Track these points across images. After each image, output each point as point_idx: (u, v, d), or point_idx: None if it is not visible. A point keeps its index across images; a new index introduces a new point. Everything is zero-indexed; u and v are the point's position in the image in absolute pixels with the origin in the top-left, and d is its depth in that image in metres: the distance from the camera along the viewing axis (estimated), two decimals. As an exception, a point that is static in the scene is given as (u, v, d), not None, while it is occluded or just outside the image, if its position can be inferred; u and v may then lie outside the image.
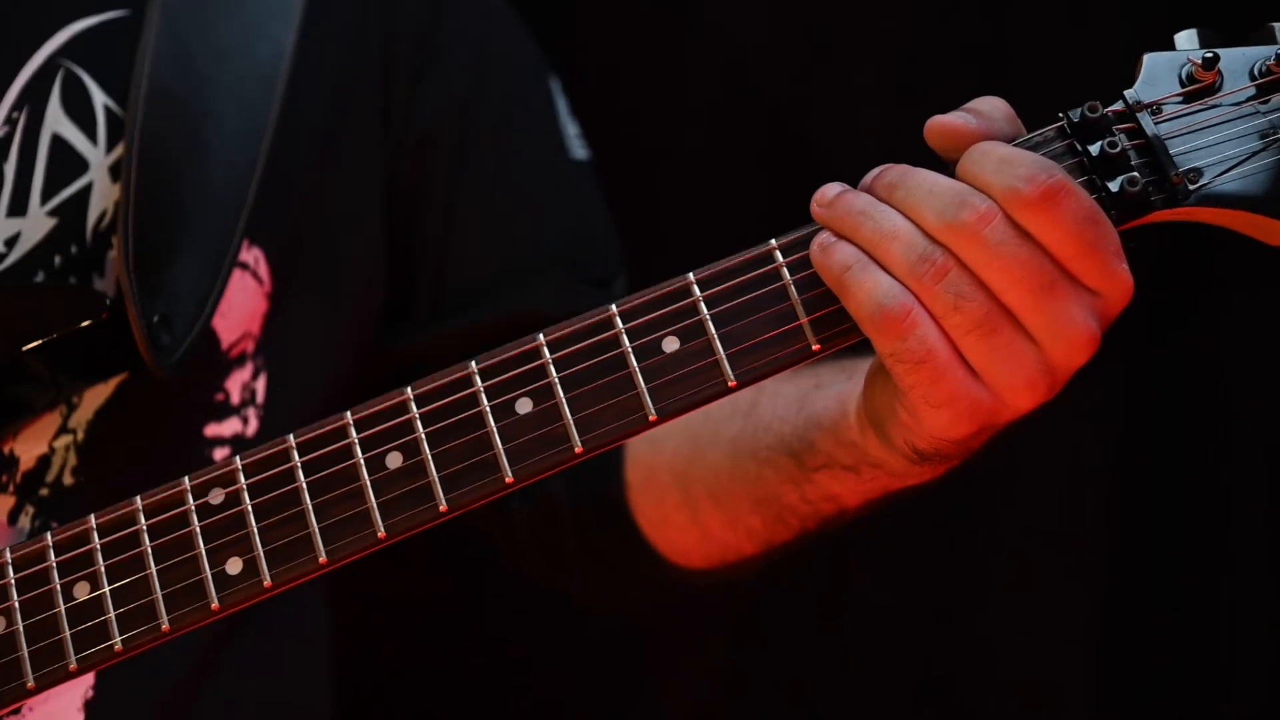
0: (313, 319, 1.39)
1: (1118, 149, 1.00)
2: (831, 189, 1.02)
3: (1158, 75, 1.02)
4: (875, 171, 1.02)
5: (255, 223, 1.30)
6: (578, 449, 1.03)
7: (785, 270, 1.03)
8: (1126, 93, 1.02)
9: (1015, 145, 1.00)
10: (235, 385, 1.33)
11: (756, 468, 1.22)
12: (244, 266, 1.33)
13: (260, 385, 1.35)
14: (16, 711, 1.21)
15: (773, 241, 1.04)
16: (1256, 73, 1.01)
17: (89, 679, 1.24)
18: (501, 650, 1.91)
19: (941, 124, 1.01)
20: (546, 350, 1.05)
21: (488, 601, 1.90)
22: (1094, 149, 1.00)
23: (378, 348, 1.45)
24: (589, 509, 1.40)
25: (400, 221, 1.43)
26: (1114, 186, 1.00)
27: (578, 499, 1.41)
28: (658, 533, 1.36)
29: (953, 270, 0.97)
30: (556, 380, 1.04)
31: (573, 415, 1.04)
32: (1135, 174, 1.00)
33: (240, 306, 1.32)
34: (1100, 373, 1.05)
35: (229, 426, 1.33)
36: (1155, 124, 1.01)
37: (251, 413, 1.34)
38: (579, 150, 1.52)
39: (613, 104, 1.69)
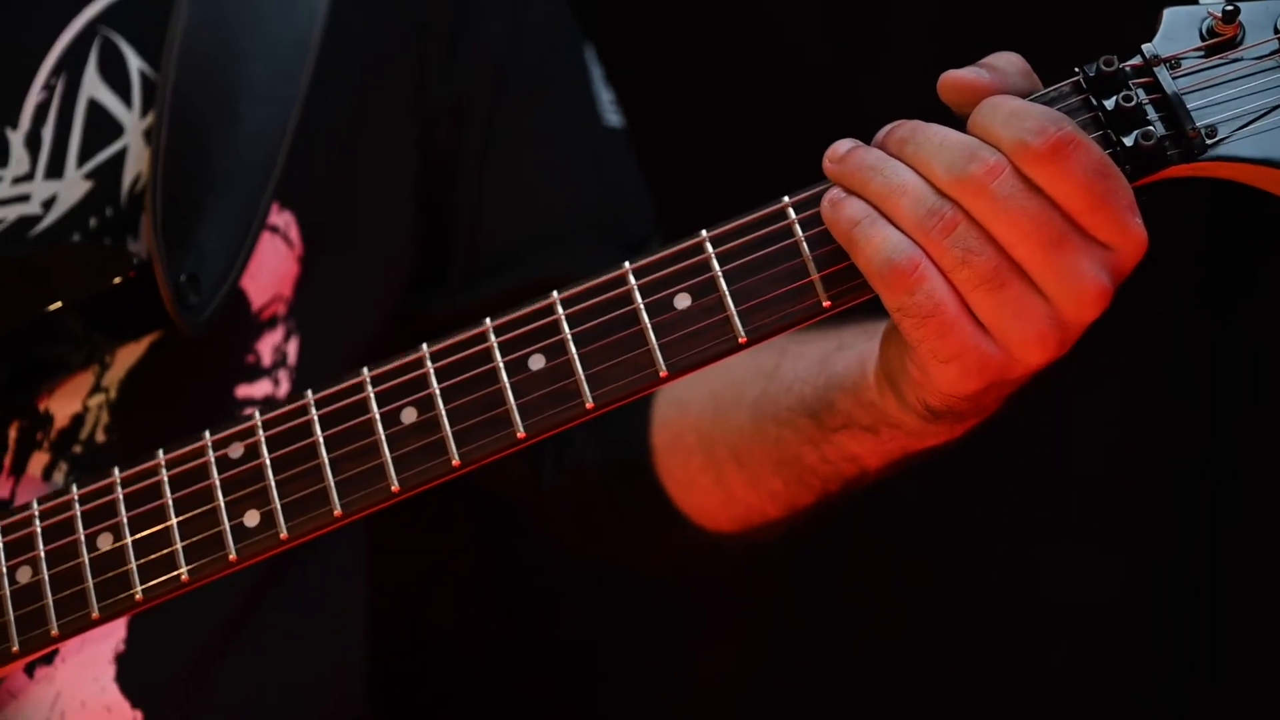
0: (344, 283, 1.40)
1: (1133, 103, 0.98)
2: (843, 145, 1.02)
3: (1177, 29, 1.00)
4: (887, 128, 1.01)
5: (286, 187, 1.31)
6: (589, 404, 1.03)
7: (797, 227, 1.02)
8: (1145, 47, 1.00)
9: (1030, 100, 0.99)
10: (266, 347, 1.35)
11: (777, 429, 1.22)
12: (275, 230, 1.34)
13: (292, 348, 1.37)
14: (49, 662, 1.24)
15: (785, 199, 1.04)
16: (1279, 26, 0.99)
17: (120, 633, 1.27)
18: (534, 620, 1.92)
19: (955, 79, 1.00)
20: (560, 307, 1.05)
21: (520, 571, 1.91)
22: (1109, 103, 0.99)
23: (412, 312, 1.46)
24: (618, 475, 1.41)
25: (434, 187, 1.44)
26: (1128, 141, 0.98)
27: (607, 466, 1.41)
28: (684, 496, 1.36)
29: (961, 224, 0.96)
30: (569, 337, 1.05)
31: (584, 371, 1.04)
32: (1151, 128, 0.98)
33: (271, 269, 1.34)
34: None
35: (260, 388, 1.35)
36: (1173, 79, 0.99)
37: (283, 375, 1.36)
38: (613, 117, 1.52)
39: (645, 70, 1.68)
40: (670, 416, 1.36)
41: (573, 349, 1.04)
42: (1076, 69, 1.01)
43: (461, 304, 1.45)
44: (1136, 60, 1.00)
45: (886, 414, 1.09)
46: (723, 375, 1.29)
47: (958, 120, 1.02)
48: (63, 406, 1.26)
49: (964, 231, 0.96)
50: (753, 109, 1.82)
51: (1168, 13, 1.01)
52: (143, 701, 1.27)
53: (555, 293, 1.06)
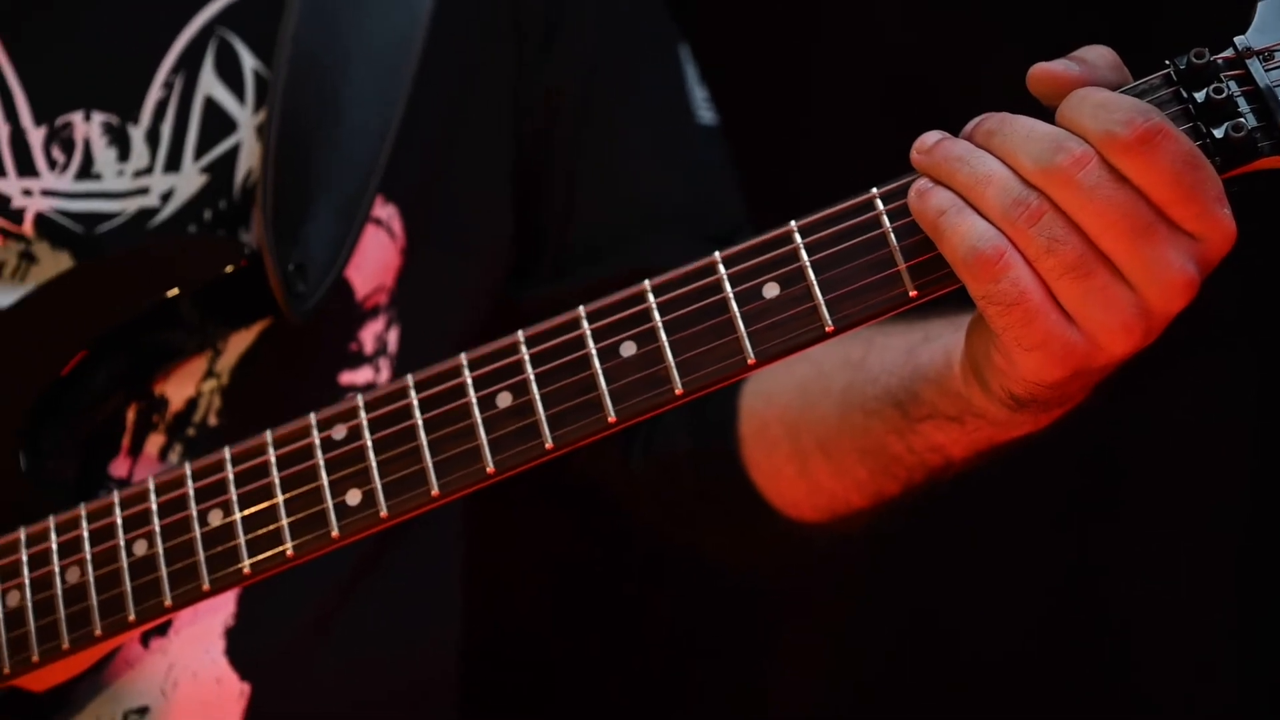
0: (443, 274, 1.44)
1: (1224, 95, 0.98)
2: (931, 136, 1.03)
3: (1271, 21, 1.00)
4: (976, 120, 1.02)
5: (390, 180, 1.36)
6: (678, 390, 1.06)
7: (885, 218, 1.04)
8: (1237, 39, 1.00)
9: (1119, 92, 0.99)
10: (369, 336, 1.40)
11: (864, 419, 1.23)
12: (378, 222, 1.39)
13: (393, 336, 1.41)
14: (163, 633, 1.29)
15: (873, 189, 1.05)
16: None
17: (230, 607, 1.32)
18: (627, 607, 1.95)
19: (1044, 71, 1.01)
20: (651, 295, 1.08)
21: (607, 558, 1.93)
22: (1199, 96, 0.99)
23: (503, 302, 1.50)
24: (705, 463, 1.43)
25: (527, 179, 1.48)
26: (1219, 133, 0.98)
27: (695, 454, 1.43)
28: (769, 485, 1.37)
29: (1047, 214, 0.97)
30: (660, 324, 1.07)
31: (674, 358, 1.06)
32: (1241, 120, 0.98)
33: (374, 260, 1.39)
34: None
35: (362, 375, 1.40)
36: (1266, 71, 0.99)
37: (384, 363, 1.41)
38: (706, 114, 1.54)
39: (736, 66, 1.70)
40: (757, 407, 1.38)
41: (663, 336, 1.07)
42: (1167, 62, 1.01)
43: (551, 294, 1.48)
44: (1229, 53, 1.00)
45: (971, 404, 1.10)
46: (809, 366, 1.30)
47: (1047, 113, 1.03)
48: (177, 391, 1.32)
49: (1050, 221, 0.97)
50: (843, 103, 1.83)
51: (1262, 5, 1.01)
52: (251, 674, 1.32)
53: (646, 281, 1.08)
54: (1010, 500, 1.75)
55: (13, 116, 1.31)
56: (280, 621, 1.34)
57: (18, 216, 1.30)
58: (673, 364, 1.07)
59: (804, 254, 1.05)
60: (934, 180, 1.01)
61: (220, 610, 1.31)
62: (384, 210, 1.39)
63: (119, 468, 1.30)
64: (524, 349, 1.10)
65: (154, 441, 1.31)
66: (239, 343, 1.33)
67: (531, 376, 1.09)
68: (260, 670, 1.32)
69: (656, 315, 1.07)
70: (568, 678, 1.97)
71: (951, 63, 1.78)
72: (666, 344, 1.07)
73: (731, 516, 1.44)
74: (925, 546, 1.80)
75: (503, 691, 1.90)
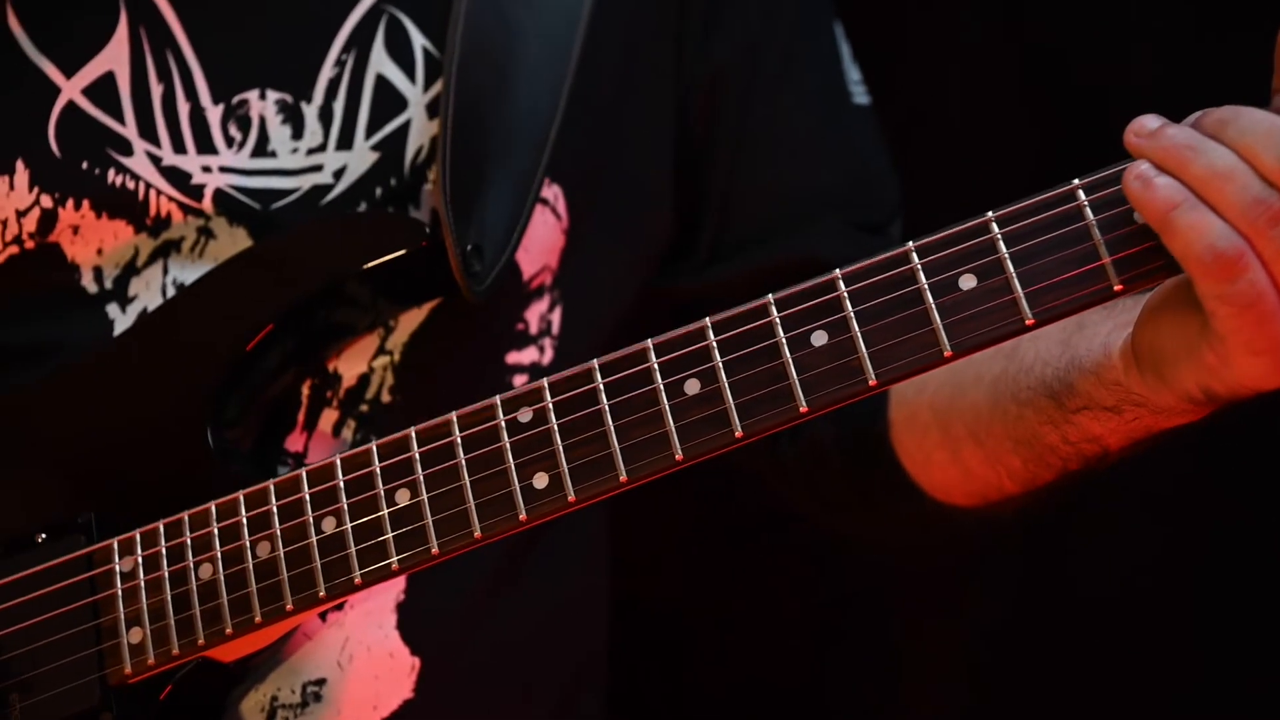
0: (605, 254, 1.44)
1: None
2: (1150, 120, 1.00)
3: None
4: (1201, 112, 0.99)
5: (556, 160, 1.36)
6: (871, 381, 1.05)
7: (1088, 210, 1.02)
8: None
9: None
10: (534, 316, 1.40)
11: (1017, 408, 1.21)
12: (544, 202, 1.39)
13: (556, 317, 1.42)
14: (339, 608, 1.31)
15: (1075, 181, 1.03)
16: None
17: (400, 583, 1.34)
18: (765, 593, 1.95)
19: None
20: (843, 284, 1.07)
21: (753, 545, 1.94)
22: None
23: (657, 287, 1.50)
24: (855, 448, 1.42)
25: (687, 162, 1.47)
26: None
27: (844, 439, 1.43)
28: (920, 471, 1.37)
29: None
30: (852, 314, 1.07)
31: (867, 349, 1.06)
32: None
33: (540, 241, 1.39)
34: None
35: (527, 355, 1.40)
36: None
37: (548, 343, 1.41)
38: (861, 96, 1.52)
39: (879, 47, 1.68)
40: (907, 394, 1.37)
41: (855, 326, 1.06)
42: None
43: (708, 280, 1.48)
44: None
45: (1131, 393, 1.08)
46: None
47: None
48: (350, 367, 1.33)
49: None
50: (983, 90, 1.81)
51: None
52: (421, 648, 1.33)
53: (838, 270, 1.08)
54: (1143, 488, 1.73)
55: (192, 95, 1.33)
56: (447, 599, 1.35)
57: (197, 193, 1.32)
58: (865, 355, 1.06)
59: (1002, 245, 1.04)
60: (1159, 168, 0.98)
61: (392, 586, 1.33)
62: (549, 190, 1.39)
63: (294, 442, 1.32)
64: (711, 335, 1.10)
65: (328, 417, 1.33)
66: (410, 320, 1.34)
67: (720, 364, 1.09)
68: (430, 645, 1.34)
69: (848, 304, 1.07)
70: (704, 663, 1.99)
71: (1088, 43, 1.75)
72: (859, 334, 1.06)
73: (882, 502, 1.43)
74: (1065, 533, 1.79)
75: (646, 674, 1.92)
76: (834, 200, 1.48)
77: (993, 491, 1.30)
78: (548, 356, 1.41)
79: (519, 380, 1.40)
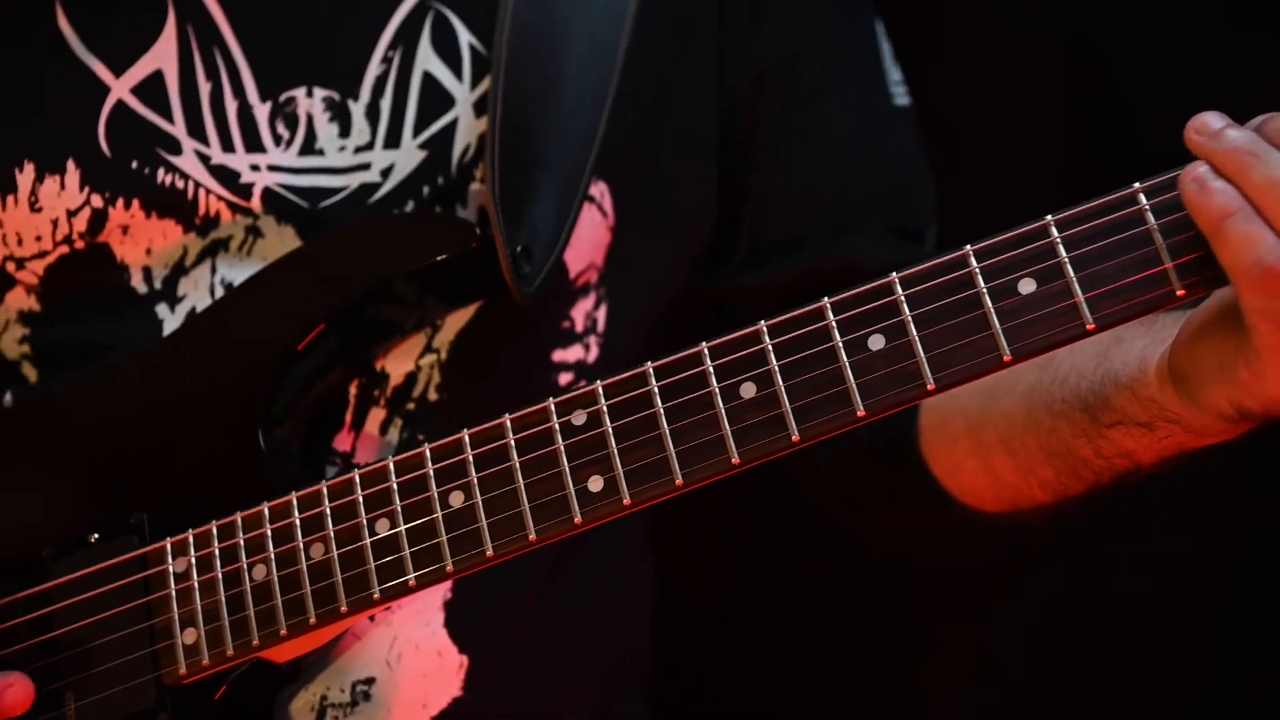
0: (650, 252, 1.44)
1: None
2: (1213, 119, 0.99)
3: None
4: (1265, 116, 0.98)
5: (602, 157, 1.35)
6: (930, 386, 1.05)
7: (1149, 214, 1.02)
8: None
9: None
10: (580, 313, 1.40)
11: (1051, 420, 1.21)
12: (590, 200, 1.39)
13: (601, 314, 1.41)
14: (388, 608, 1.31)
15: (1136, 184, 1.03)
16: None
17: (446, 581, 1.34)
18: (806, 600, 1.95)
19: None
20: (899, 287, 1.07)
21: (794, 552, 1.94)
22: None
23: (695, 287, 1.49)
24: (885, 455, 1.42)
25: (728, 164, 1.47)
26: None
27: (875, 445, 1.43)
28: (950, 477, 1.36)
29: None
30: (909, 318, 1.06)
31: (925, 353, 1.05)
32: None
33: (586, 238, 1.39)
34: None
35: (573, 353, 1.40)
36: None
37: (593, 340, 1.41)
38: (901, 97, 1.52)
39: (918, 47, 1.68)
40: (938, 400, 1.35)
41: (913, 330, 1.06)
42: None
43: (746, 283, 1.47)
44: None
45: (1165, 410, 1.08)
46: None
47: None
48: (397, 366, 1.33)
49: None
50: (1028, 95, 1.80)
51: None
52: (469, 647, 1.34)
53: (894, 273, 1.07)
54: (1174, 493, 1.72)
55: (240, 93, 1.33)
56: (494, 598, 1.35)
57: (246, 191, 1.32)
58: (924, 359, 1.06)
59: (1062, 249, 1.03)
60: (1218, 170, 0.97)
61: (439, 585, 1.33)
62: (596, 187, 1.39)
63: (342, 442, 1.32)
64: (767, 339, 1.09)
65: (375, 416, 1.33)
66: (457, 319, 1.34)
67: (775, 367, 1.09)
68: (478, 643, 1.34)
69: (906, 309, 1.06)
70: (740, 666, 1.99)
71: (1134, 48, 1.74)
72: (917, 339, 1.06)
73: (909, 506, 1.43)
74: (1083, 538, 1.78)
75: (690, 674, 1.92)
76: (873, 204, 1.47)
77: (1023, 500, 1.30)
78: (593, 354, 1.41)
79: (564, 378, 1.40)
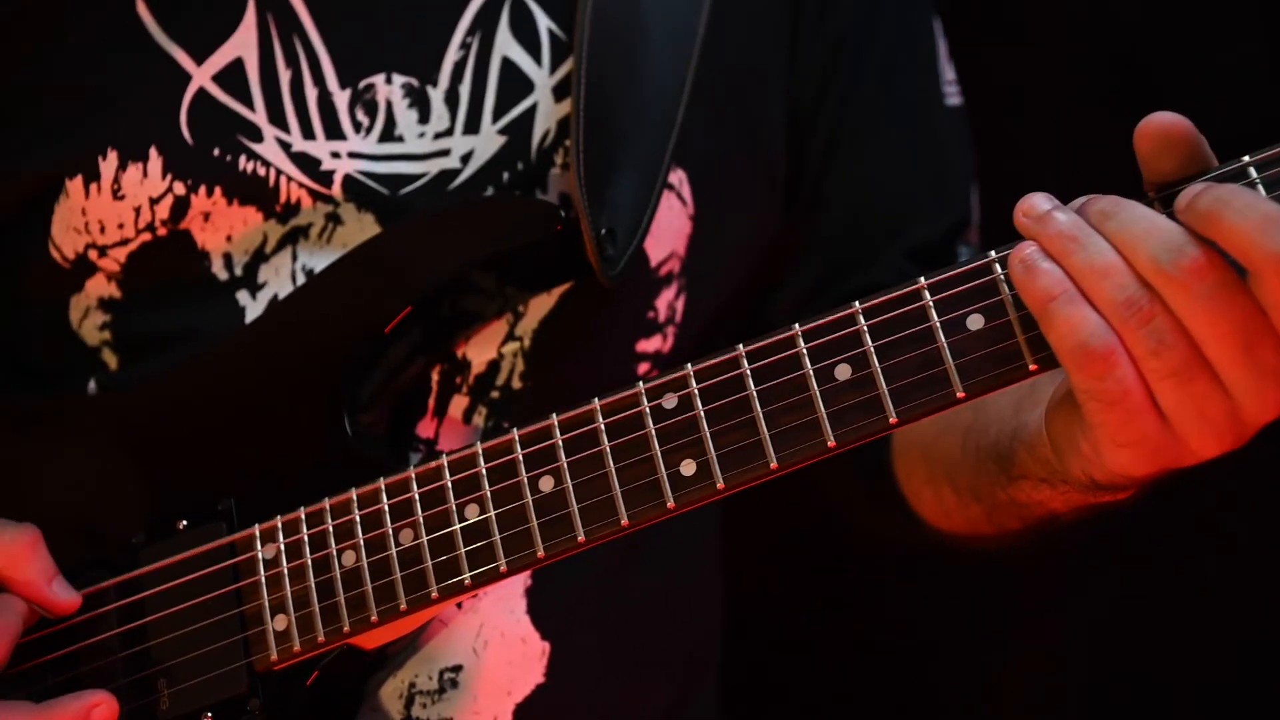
0: (726, 242, 1.43)
1: None
2: (1040, 202, 1.01)
3: None
4: (1086, 198, 1.00)
5: (681, 145, 1.34)
6: (1032, 366, 1.04)
7: (1003, 283, 1.03)
8: None
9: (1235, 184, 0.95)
10: (663, 303, 1.39)
11: (975, 462, 1.24)
12: (670, 187, 1.38)
13: (680, 305, 1.40)
14: (474, 595, 1.30)
15: (992, 253, 1.05)
16: None
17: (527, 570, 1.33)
18: (870, 605, 1.94)
19: (1166, 125, 0.98)
20: (999, 268, 1.05)
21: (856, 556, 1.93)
22: None
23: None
24: (869, 479, 1.45)
25: (793, 161, 1.46)
26: None
27: (859, 466, 1.45)
28: (915, 501, 1.41)
29: (1158, 316, 0.95)
30: (1008, 298, 1.05)
31: (1024, 334, 1.04)
32: None
33: (668, 226, 1.38)
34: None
35: (653, 343, 1.39)
36: None
37: (671, 331, 1.40)
38: (954, 97, 1.51)
39: (963, 44, 1.66)
40: (902, 432, 1.37)
41: (1012, 311, 1.04)
42: None
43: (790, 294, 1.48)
44: None
45: (1058, 472, 1.09)
46: None
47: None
48: (479, 353, 1.33)
49: (1160, 323, 0.96)
50: (1071, 95, 1.78)
51: None
52: (550, 634, 1.33)
53: (992, 252, 1.06)
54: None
55: (320, 80, 1.32)
56: (573, 584, 1.35)
57: (327, 179, 1.31)
58: (1023, 339, 1.04)
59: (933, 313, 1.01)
60: (1043, 251, 0.99)
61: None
62: (675, 175, 1.38)
63: (425, 428, 1.32)
64: (861, 320, 1.08)
65: (458, 403, 1.32)
66: (539, 306, 1.33)
67: (871, 349, 1.07)
68: (559, 630, 1.33)
69: (1004, 288, 1.05)
70: (821, 684, 1.98)
71: (1180, 50, 1.72)
72: (1016, 319, 1.04)
73: (891, 523, 1.45)
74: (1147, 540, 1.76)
75: (757, 669, 1.91)
76: (923, 208, 1.47)
77: (976, 530, 1.33)
78: (669, 345, 1.40)
79: (643, 368, 1.39)
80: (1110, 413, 0.98)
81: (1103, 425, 0.99)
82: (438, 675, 1.29)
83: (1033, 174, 1.75)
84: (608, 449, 1.12)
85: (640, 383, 1.13)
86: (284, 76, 1.32)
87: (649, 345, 1.39)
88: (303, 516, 1.19)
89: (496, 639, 1.31)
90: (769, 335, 1.10)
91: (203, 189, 1.30)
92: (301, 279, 1.31)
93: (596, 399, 1.14)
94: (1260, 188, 0.98)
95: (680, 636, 1.48)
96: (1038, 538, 1.24)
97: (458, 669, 1.29)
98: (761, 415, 1.09)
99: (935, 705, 1.98)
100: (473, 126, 1.33)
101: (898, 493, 1.42)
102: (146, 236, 1.31)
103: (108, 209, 1.30)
